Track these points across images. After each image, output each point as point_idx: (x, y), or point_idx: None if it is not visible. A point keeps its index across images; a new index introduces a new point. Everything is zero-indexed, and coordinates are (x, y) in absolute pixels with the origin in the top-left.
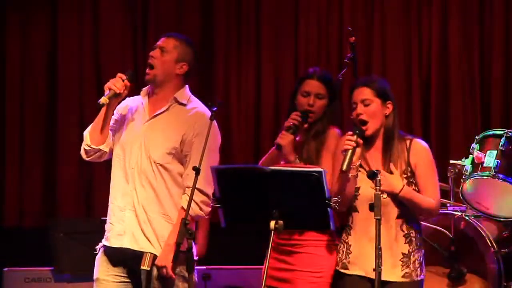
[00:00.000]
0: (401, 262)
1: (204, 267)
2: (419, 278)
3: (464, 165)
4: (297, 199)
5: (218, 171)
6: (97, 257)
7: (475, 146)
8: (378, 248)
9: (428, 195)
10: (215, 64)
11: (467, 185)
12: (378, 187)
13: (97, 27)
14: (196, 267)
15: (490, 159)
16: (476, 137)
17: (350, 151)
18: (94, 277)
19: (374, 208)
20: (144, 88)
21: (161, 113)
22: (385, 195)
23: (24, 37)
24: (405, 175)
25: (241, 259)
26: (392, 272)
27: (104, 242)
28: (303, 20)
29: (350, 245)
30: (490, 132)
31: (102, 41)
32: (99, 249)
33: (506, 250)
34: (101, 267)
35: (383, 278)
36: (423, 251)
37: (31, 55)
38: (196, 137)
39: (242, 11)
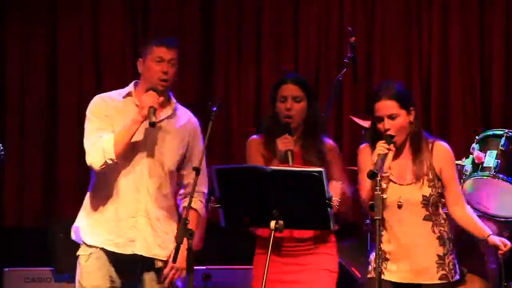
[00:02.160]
0: (437, 265)
1: (204, 267)
2: (455, 279)
3: (464, 165)
4: (297, 199)
5: (218, 171)
6: (89, 263)
7: (475, 146)
8: (378, 248)
9: (454, 198)
10: (215, 64)
11: (467, 185)
12: (378, 187)
13: (97, 27)
14: (196, 267)
15: (490, 159)
16: (476, 137)
17: (383, 154)
18: (91, 284)
19: (374, 208)
20: (130, 91)
21: (165, 118)
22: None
23: (24, 38)
24: (427, 177)
25: (241, 259)
26: (428, 275)
27: (108, 248)
28: (303, 20)
29: (384, 251)
30: (490, 132)
31: (102, 41)
32: (89, 255)
33: None
34: (99, 273)
35: (420, 281)
36: (454, 253)
37: (31, 55)
38: (195, 140)
39: (242, 11)
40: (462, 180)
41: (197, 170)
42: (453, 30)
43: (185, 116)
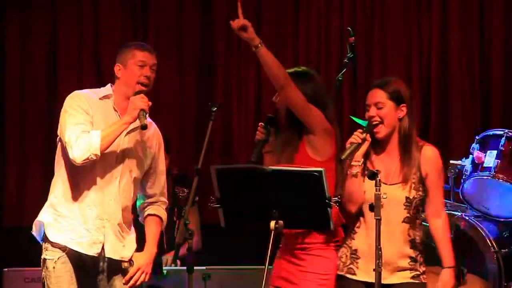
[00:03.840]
0: (410, 266)
1: (204, 267)
2: (424, 281)
3: (464, 165)
4: (297, 199)
5: (218, 171)
6: (57, 267)
7: (475, 146)
8: (378, 248)
9: (434, 207)
10: (215, 64)
11: (467, 185)
12: (378, 187)
13: (97, 27)
14: (196, 267)
15: (490, 159)
16: (476, 137)
17: (355, 144)
18: None
19: (374, 208)
20: (109, 93)
21: (137, 127)
22: (385, 195)
23: (24, 37)
24: (413, 180)
25: (241, 259)
26: (401, 274)
27: (71, 246)
28: (303, 20)
29: (356, 249)
30: (490, 132)
31: (102, 41)
32: (56, 260)
33: (506, 250)
34: (67, 278)
35: (394, 281)
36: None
37: (31, 55)
38: (160, 151)
39: None
40: (462, 180)
41: (197, 171)
42: (453, 30)
43: (151, 126)
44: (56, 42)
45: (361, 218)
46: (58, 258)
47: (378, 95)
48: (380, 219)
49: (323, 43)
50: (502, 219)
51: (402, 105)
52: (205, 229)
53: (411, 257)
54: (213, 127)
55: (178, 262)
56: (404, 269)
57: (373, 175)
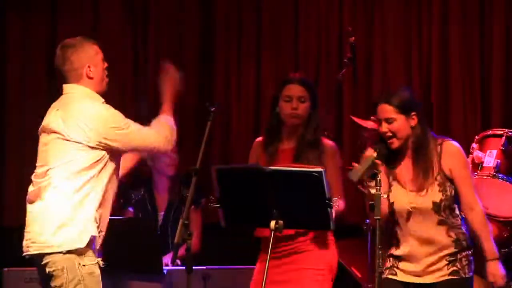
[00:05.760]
0: (447, 262)
1: (204, 267)
2: (468, 276)
3: None
4: (297, 199)
5: (218, 171)
6: (98, 271)
7: (475, 146)
8: (378, 248)
9: (467, 199)
10: (215, 64)
11: None
12: (378, 187)
13: (97, 27)
14: (196, 267)
15: (490, 159)
16: (476, 137)
17: (366, 164)
18: None
19: (374, 208)
20: (101, 98)
21: None
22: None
23: (24, 37)
24: (436, 182)
25: (241, 259)
26: (439, 273)
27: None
28: (303, 20)
29: (398, 255)
30: (490, 132)
31: (102, 41)
32: (96, 263)
33: (506, 250)
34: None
35: (427, 281)
36: (471, 250)
37: (31, 55)
38: None
39: (242, 11)
40: None
41: (196, 171)
42: (453, 30)
43: None
44: (56, 42)
45: (397, 227)
46: (97, 263)
47: (387, 110)
48: (380, 219)
49: (323, 43)
50: (501, 219)
51: (413, 113)
52: (205, 229)
53: (450, 254)
54: (212, 127)
55: (178, 262)
56: (442, 268)
57: (373, 175)
